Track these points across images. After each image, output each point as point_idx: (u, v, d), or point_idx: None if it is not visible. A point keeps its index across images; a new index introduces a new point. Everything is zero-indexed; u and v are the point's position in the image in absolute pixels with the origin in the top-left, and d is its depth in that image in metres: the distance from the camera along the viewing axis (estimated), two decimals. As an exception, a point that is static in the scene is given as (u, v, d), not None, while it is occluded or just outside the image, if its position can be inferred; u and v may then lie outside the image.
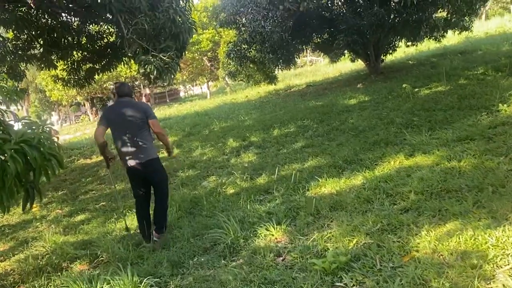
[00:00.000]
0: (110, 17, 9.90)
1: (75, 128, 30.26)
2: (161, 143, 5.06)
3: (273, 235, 4.00)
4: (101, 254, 4.47)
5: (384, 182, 4.73)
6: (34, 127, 3.79)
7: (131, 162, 4.58)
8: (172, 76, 8.20)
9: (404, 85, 9.92)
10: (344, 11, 16.01)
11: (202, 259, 3.93)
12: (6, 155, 3.44)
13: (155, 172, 4.70)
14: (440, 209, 3.83)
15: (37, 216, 7.03)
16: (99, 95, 37.30)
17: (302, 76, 28.39)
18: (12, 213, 7.57)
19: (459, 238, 3.22)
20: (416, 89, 10.33)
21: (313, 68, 40.43)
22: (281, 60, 15.88)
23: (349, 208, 4.25)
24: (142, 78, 7.69)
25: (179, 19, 8.05)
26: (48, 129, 3.97)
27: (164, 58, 7.71)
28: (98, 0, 7.37)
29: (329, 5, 16.95)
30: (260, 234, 4.06)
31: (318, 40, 18.16)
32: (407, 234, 3.47)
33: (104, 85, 34.04)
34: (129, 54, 9.75)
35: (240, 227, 4.25)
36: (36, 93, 34.44)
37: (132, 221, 5.60)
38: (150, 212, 4.85)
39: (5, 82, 12.65)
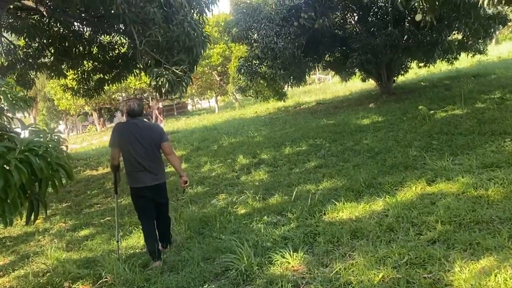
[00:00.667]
0: (123, 28, 9.84)
1: (82, 138, 30.17)
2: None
3: (289, 263, 3.73)
4: (105, 275, 4.21)
5: (407, 209, 4.46)
6: (41, 135, 3.59)
7: (142, 184, 4.52)
8: (184, 90, 8.03)
9: (420, 107, 9.69)
10: (358, 30, 15.92)
11: (213, 286, 3.67)
12: (10, 164, 3.23)
13: (162, 196, 4.79)
14: (471, 242, 3.55)
15: (40, 229, 6.79)
16: (107, 106, 37.32)
17: (311, 93, 28.26)
18: (14, 224, 7.33)
19: (496, 277, 2.94)
20: (432, 111, 10.09)
21: (322, 86, 40.36)
22: (292, 77, 15.75)
23: (371, 237, 3.98)
24: (152, 90, 7.48)
25: (193, 32, 7.89)
26: (56, 137, 3.77)
27: (177, 71, 7.54)
28: (112, 11, 7.24)
29: (342, 23, 16.88)
30: (275, 261, 3.79)
31: (330, 58, 18.05)
32: (438, 270, 3.19)
33: (113, 96, 34.06)
34: (141, 66, 9.64)
35: (254, 252, 3.98)
36: (45, 101, 34.46)
37: (138, 238, 5.36)
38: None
39: (14, 89, 12.62)
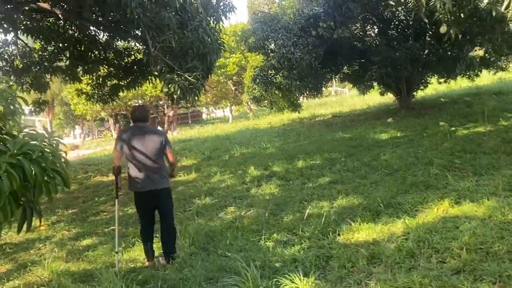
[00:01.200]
0: (139, 34, 9.72)
1: (97, 143, 30.27)
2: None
3: (299, 288, 3.43)
4: (101, 291, 3.95)
5: (429, 233, 4.11)
6: (38, 139, 3.35)
7: (144, 188, 4.56)
8: (196, 98, 7.81)
9: (441, 123, 9.32)
10: (377, 42, 15.61)
11: (215, 310, 3.37)
12: (0, 169, 3.00)
13: (166, 201, 4.74)
14: (501, 274, 3.20)
15: (43, 236, 6.57)
16: (123, 112, 37.43)
17: (327, 106, 27.91)
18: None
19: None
20: (453, 128, 9.70)
21: (338, 98, 39.97)
22: (308, 88, 15.46)
23: (390, 263, 3.64)
24: (166, 97, 7.30)
25: (208, 39, 7.67)
26: (55, 142, 3.54)
27: (189, 78, 7.32)
28: (127, 15, 7.07)
29: (362, 35, 16.59)
30: (283, 286, 3.48)
31: (348, 71, 17.75)
32: (465, 306, 2.86)
33: (129, 103, 34.11)
34: (154, 72, 9.48)
35: (260, 274, 3.68)
36: (62, 106, 34.73)
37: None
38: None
39: (27, 92, 12.59)
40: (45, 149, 3.26)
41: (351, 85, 49.06)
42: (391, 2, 11.64)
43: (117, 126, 37.89)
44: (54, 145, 3.51)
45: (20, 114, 9.83)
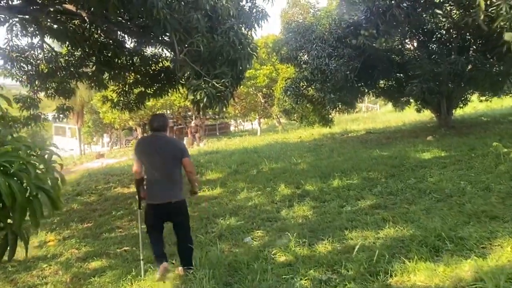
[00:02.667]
0: (166, 39, 9.20)
1: (123, 152, 30.04)
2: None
3: None
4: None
5: (509, 280, 3.26)
6: (24, 147, 2.71)
7: (159, 200, 4.36)
8: (224, 107, 7.14)
9: (494, 144, 8.34)
10: (416, 56, 14.69)
11: None
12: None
13: (182, 214, 4.53)
14: None
15: (50, 254, 5.99)
16: (151, 122, 37.30)
17: (359, 121, 26.94)
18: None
19: None
20: (505, 150, 8.70)
21: (370, 115, 38.92)
22: (342, 102, 14.63)
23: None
24: (194, 106, 6.63)
25: (239, 43, 6.99)
26: (46, 154, 2.90)
27: (217, 85, 6.66)
28: (153, 16, 6.48)
29: (400, 48, 15.71)
30: None
31: (385, 85, 16.83)
32: None
33: (157, 112, 34.03)
34: (180, 79, 8.90)
35: (296, 325, 2.91)
36: (91, 113, 34.87)
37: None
38: None
39: (52, 98, 12.25)
40: (30, 162, 2.62)
41: (383, 102, 47.93)
42: (438, 11, 10.80)
43: (145, 135, 37.83)
44: (43, 156, 2.88)
45: (39, 118, 9.00)
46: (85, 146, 37.85)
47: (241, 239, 5.44)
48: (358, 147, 13.14)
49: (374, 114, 41.28)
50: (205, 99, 6.50)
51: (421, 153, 10.20)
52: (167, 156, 4.37)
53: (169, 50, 9.76)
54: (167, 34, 8.07)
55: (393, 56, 15.59)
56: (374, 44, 10.02)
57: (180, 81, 9.51)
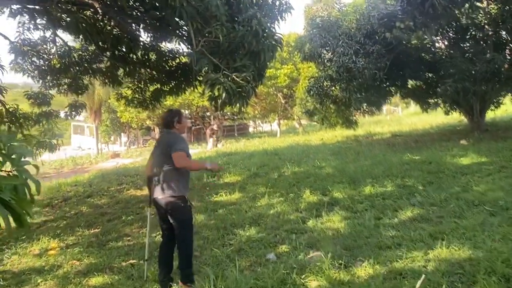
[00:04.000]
0: (183, 32, 8.58)
1: (140, 152, 29.63)
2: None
3: None
4: None
5: None
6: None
7: (154, 195, 4.24)
8: (245, 104, 6.42)
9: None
10: (448, 54, 13.76)
11: None
12: None
13: (172, 215, 4.17)
14: None
15: (49, 264, 5.34)
16: (169, 121, 36.88)
17: (382, 124, 25.97)
18: (24, 253, 5.99)
19: None
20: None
21: (392, 117, 37.81)
22: (368, 103, 13.79)
23: None
24: (211, 103, 5.86)
25: (263, 33, 6.25)
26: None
27: (238, 79, 5.95)
28: (168, 1, 5.81)
29: (431, 46, 14.78)
30: None
31: (412, 86, 15.90)
32: None
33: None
34: (197, 74, 8.21)
35: None
36: (109, 112, 34.61)
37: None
38: None
39: (65, 94, 11.73)
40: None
41: (404, 104, 46.62)
42: (478, 4, 9.92)
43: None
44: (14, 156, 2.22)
45: (51, 115, 8.21)
46: (103, 145, 37.64)
47: (263, 255, 4.71)
48: (386, 151, 12.29)
49: (397, 116, 40.14)
50: (224, 95, 5.78)
51: (458, 158, 9.33)
52: (158, 153, 4.28)
53: (186, 44, 9.13)
54: (184, 25, 7.46)
55: (423, 55, 14.71)
56: (410, 38, 9.17)
57: (197, 77, 8.83)
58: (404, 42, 12.71)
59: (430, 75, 15.01)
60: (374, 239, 4.75)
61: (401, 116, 38.75)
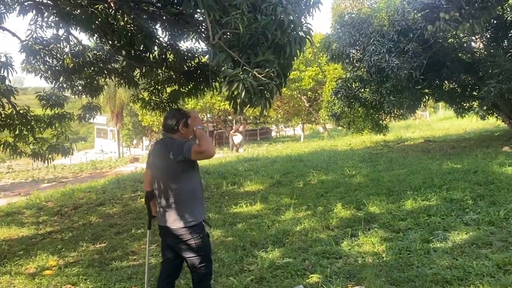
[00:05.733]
0: (202, 29, 7.85)
1: (161, 156, 29.13)
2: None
3: None
4: None
5: None
6: None
7: (161, 222, 3.36)
8: (268, 105, 5.58)
9: None
10: (488, 54, 12.65)
11: None
12: None
13: (189, 246, 3.22)
14: None
15: (42, 287, 4.61)
16: (190, 125, 36.38)
17: (412, 129, 24.75)
18: (18, 272, 5.30)
19: None
20: None
21: (421, 122, 36.36)
22: (402, 106, 12.77)
23: None
24: (230, 103, 4.91)
25: (289, 23, 5.39)
26: None
27: (260, 76, 5.10)
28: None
29: (469, 45, 13.69)
30: None
31: (449, 87, 14.77)
32: None
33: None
34: (214, 70, 7.43)
35: None
36: (131, 116, 34.30)
37: None
38: None
39: (79, 96, 11.15)
40: None
41: (432, 108, 45.02)
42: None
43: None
44: None
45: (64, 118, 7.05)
46: (125, 148, 37.41)
47: (288, 286, 3.86)
48: (421, 158, 11.28)
49: (425, 121, 38.64)
50: (243, 94, 4.95)
51: (507, 167, 8.28)
52: (161, 166, 3.31)
53: (204, 41, 8.40)
54: (202, 21, 6.72)
55: (459, 55, 13.64)
56: (455, 31, 8.17)
57: (214, 75, 8.04)
58: (440, 40, 11.73)
59: (466, 76, 13.91)
60: (427, 270, 3.84)
61: (429, 121, 37.26)
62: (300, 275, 4.14)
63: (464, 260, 3.96)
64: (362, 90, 13.94)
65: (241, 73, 5.04)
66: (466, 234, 4.73)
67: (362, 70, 12.81)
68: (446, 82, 14.02)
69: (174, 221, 3.21)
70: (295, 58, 5.90)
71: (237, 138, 22.52)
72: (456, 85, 14.60)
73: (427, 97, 14.49)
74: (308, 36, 5.62)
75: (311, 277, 4.06)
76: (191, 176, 3.28)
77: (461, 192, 6.54)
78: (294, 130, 46.34)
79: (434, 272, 3.78)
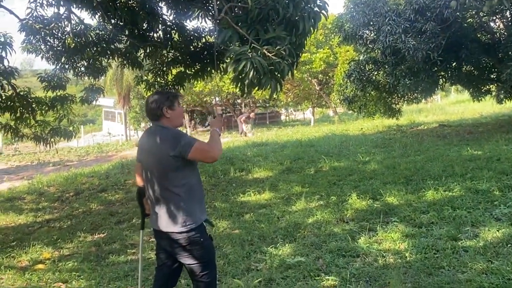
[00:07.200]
0: (209, 7, 7.40)
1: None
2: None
3: None
4: None
5: None
6: None
7: (155, 226, 2.88)
8: (279, 86, 5.08)
9: None
10: (507, 35, 12.01)
11: None
12: None
13: (190, 251, 2.77)
14: None
15: (31, 284, 4.27)
16: (199, 108, 35.97)
17: (425, 113, 24.06)
18: (10, 265, 4.95)
19: None
20: None
21: (433, 105, 35.54)
22: (418, 89, 12.19)
23: None
24: (236, 85, 4.36)
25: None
26: None
27: (270, 54, 4.59)
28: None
29: (488, 25, 13.01)
30: None
31: (467, 69, 14.11)
32: None
33: (205, 99, 32.50)
34: (220, 48, 6.93)
35: None
36: (138, 99, 33.80)
37: None
38: None
39: (81, 78, 10.73)
40: None
41: (444, 92, 44.13)
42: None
43: (192, 123, 36.49)
44: None
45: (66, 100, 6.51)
46: (132, 132, 37.13)
47: (301, 291, 3.44)
48: (437, 143, 10.76)
49: (437, 105, 37.78)
50: (251, 73, 4.46)
51: (534, 154, 7.76)
52: (149, 160, 2.85)
53: (211, 19, 7.90)
54: None
55: (478, 35, 12.98)
56: (482, 7, 7.56)
57: (219, 55, 7.58)
58: (459, 20, 11.10)
59: (485, 58, 13.25)
60: (459, 274, 3.39)
61: (442, 105, 36.41)
62: (313, 277, 3.70)
63: (501, 263, 3.50)
64: (376, 72, 13.36)
65: (249, 51, 4.54)
66: (498, 231, 4.25)
67: (376, 51, 12.24)
68: (463, 64, 13.39)
69: (167, 225, 2.76)
70: (308, 35, 5.39)
71: (246, 125, 22.09)
72: (472, 68, 13.97)
73: (443, 80, 13.86)
74: (323, 11, 5.09)
75: (326, 279, 3.63)
76: (188, 172, 2.78)
77: (486, 182, 6.04)
78: (304, 114, 45.69)
79: (468, 277, 3.32)
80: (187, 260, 2.78)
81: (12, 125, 9.48)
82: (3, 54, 8.17)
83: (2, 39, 8.34)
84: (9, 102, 8.85)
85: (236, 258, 4.32)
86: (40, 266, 4.85)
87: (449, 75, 13.33)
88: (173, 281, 3.00)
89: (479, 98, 16.34)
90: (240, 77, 4.57)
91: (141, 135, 3.11)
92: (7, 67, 8.46)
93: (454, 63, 12.53)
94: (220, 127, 3.06)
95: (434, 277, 3.41)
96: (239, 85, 4.82)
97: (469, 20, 12.46)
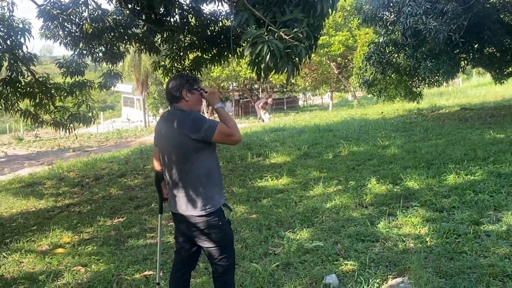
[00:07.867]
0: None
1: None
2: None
3: None
4: None
5: None
6: None
7: (174, 209, 2.85)
8: (296, 70, 4.99)
9: None
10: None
11: None
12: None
13: (208, 235, 2.75)
14: None
15: (50, 270, 4.30)
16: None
17: (446, 96, 23.60)
18: (30, 248, 5.04)
19: None
20: None
21: (454, 89, 34.81)
22: (439, 71, 11.92)
23: None
24: (252, 69, 4.28)
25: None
26: None
27: (287, 37, 4.50)
28: None
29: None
30: None
31: (488, 51, 13.72)
32: None
33: (222, 84, 32.42)
34: (236, 32, 6.85)
35: None
36: (156, 85, 33.98)
37: None
38: None
39: (99, 63, 10.78)
40: None
41: (465, 75, 43.13)
42: None
43: (209, 108, 36.52)
44: None
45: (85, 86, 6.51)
46: (151, 118, 37.38)
47: (319, 277, 3.41)
48: (459, 127, 10.53)
49: (459, 88, 37.01)
50: (267, 57, 4.39)
51: (560, 138, 7.54)
52: (168, 143, 2.78)
53: (227, 1, 7.79)
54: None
55: (501, 16, 12.57)
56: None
57: (236, 38, 7.48)
58: (481, 0, 10.77)
59: (508, 40, 12.85)
60: (481, 259, 3.32)
61: (463, 88, 35.64)
62: (331, 261, 3.67)
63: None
64: (396, 55, 13.10)
65: (265, 33, 4.46)
66: (521, 215, 4.15)
67: (397, 33, 11.98)
68: (486, 46, 13.02)
69: (186, 208, 2.72)
70: (326, 17, 5.28)
71: (263, 111, 22.03)
72: (495, 50, 13.57)
73: (465, 62, 13.52)
74: (341, -9, 4.96)
75: (345, 264, 3.59)
76: (207, 155, 2.73)
77: (509, 165, 5.89)
78: (322, 98, 45.26)
79: (490, 262, 3.25)
80: (205, 243, 2.76)
81: (32, 111, 9.58)
82: (22, 40, 8.25)
83: (21, 25, 8.40)
84: (28, 88, 8.95)
85: (254, 242, 4.31)
86: (60, 250, 4.92)
87: (471, 57, 13.01)
88: (192, 265, 3.00)
89: (502, 81, 15.89)
90: (257, 61, 4.49)
91: (158, 121, 3.01)
92: (26, 53, 8.54)
93: (476, 45, 12.18)
94: (219, 100, 2.94)
95: (455, 261, 3.35)
96: (255, 69, 4.76)
97: (491, 0, 12.07)
